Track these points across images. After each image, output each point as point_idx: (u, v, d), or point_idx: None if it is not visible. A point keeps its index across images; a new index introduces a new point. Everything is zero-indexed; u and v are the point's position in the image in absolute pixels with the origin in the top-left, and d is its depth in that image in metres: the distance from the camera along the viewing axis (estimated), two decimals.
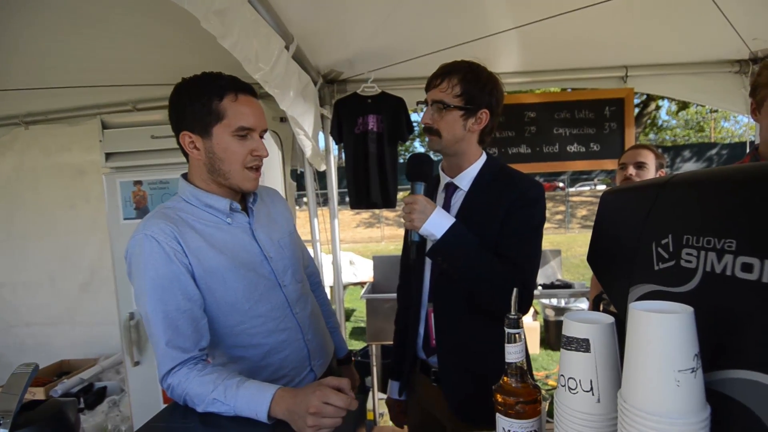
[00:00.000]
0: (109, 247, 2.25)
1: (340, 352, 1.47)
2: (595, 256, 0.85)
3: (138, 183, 2.17)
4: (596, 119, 2.78)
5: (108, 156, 2.20)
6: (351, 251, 6.14)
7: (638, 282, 0.69)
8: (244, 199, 1.16)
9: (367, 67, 2.48)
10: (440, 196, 1.26)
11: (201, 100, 1.00)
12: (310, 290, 1.34)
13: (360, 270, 5.30)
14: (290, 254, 1.21)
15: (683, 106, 15.92)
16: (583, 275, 8.03)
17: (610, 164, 2.73)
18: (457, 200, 1.21)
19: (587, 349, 0.62)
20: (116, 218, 2.20)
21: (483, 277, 1.08)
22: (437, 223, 1.07)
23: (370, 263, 3.47)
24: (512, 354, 0.73)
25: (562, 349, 0.65)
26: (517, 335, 0.73)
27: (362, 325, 5.69)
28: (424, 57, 2.32)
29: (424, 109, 1.20)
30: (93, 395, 2.73)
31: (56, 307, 3.21)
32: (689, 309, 0.53)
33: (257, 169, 1.09)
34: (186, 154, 1.08)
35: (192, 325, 0.98)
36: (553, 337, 4.54)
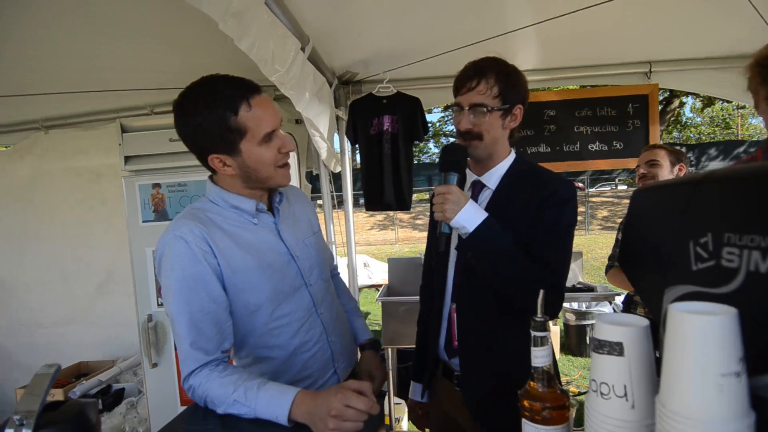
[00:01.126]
0: (125, 249, 2.28)
1: (361, 336, 1.38)
2: (627, 257, 0.82)
3: (156, 186, 2.20)
4: (619, 117, 2.71)
5: (127, 159, 2.24)
6: (365, 254, 6.14)
7: (674, 283, 0.65)
8: (270, 198, 1.15)
9: (383, 67, 2.48)
10: (466, 194, 1.23)
11: (215, 120, 0.94)
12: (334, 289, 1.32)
13: (374, 272, 5.30)
14: (316, 253, 1.20)
15: (709, 102, 15.45)
16: (604, 278, 7.84)
17: (634, 163, 2.66)
18: (484, 199, 1.18)
19: (621, 353, 0.59)
20: (135, 221, 2.23)
21: (514, 276, 1.04)
22: (470, 216, 1.03)
23: (385, 266, 3.45)
24: (539, 358, 0.71)
25: (593, 353, 0.62)
26: (543, 338, 0.71)
27: (377, 328, 5.67)
28: (440, 56, 2.30)
29: (453, 113, 1.16)
30: (111, 397, 2.77)
31: (71, 308, 3.24)
32: (733, 310, 0.50)
33: (287, 164, 1.08)
34: (212, 169, 1.05)
35: (215, 327, 0.98)
36: (573, 342, 4.41)
